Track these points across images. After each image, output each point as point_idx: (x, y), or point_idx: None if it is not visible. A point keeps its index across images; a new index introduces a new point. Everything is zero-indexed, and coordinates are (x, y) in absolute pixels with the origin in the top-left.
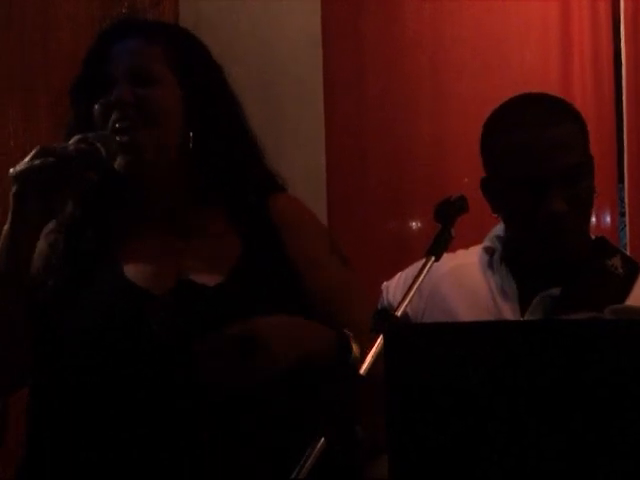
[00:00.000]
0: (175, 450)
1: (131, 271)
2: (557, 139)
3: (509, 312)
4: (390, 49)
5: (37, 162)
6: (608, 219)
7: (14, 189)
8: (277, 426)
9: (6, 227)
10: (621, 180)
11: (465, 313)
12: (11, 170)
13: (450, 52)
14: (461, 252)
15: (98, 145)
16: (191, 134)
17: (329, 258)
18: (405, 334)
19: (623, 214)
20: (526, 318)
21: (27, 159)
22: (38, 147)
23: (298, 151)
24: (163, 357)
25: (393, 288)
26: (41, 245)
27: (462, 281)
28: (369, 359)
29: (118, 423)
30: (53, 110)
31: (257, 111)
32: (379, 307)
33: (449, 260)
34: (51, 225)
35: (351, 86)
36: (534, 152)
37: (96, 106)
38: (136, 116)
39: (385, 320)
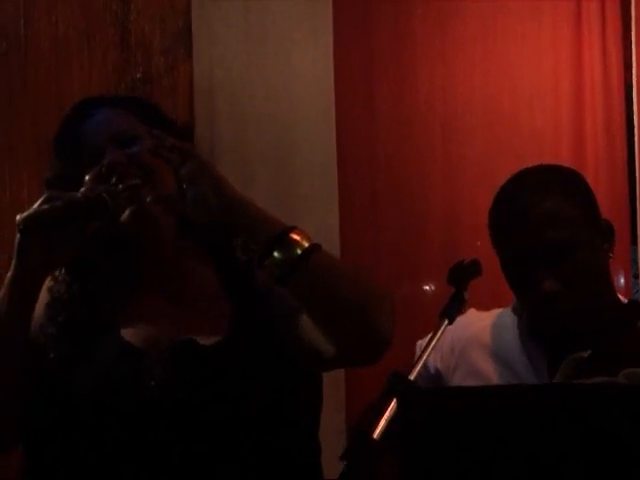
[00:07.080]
0: None
1: (128, 334)
2: (547, 213)
3: (533, 378)
4: (402, 115)
5: (45, 206)
6: (622, 281)
7: (18, 237)
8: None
9: (9, 275)
10: (634, 242)
11: (494, 377)
12: (18, 217)
13: (462, 118)
14: (494, 311)
15: (105, 196)
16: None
17: None
18: (419, 398)
19: (637, 276)
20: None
21: (35, 205)
22: (46, 194)
23: (311, 216)
24: (161, 415)
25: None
26: (43, 296)
27: (493, 346)
28: (383, 423)
29: None
30: None
31: (270, 175)
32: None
33: (481, 319)
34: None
35: (364, 151)
36: (522, 224)
37: (88, 176)
38: (134, 173)
39: (399, 383)
